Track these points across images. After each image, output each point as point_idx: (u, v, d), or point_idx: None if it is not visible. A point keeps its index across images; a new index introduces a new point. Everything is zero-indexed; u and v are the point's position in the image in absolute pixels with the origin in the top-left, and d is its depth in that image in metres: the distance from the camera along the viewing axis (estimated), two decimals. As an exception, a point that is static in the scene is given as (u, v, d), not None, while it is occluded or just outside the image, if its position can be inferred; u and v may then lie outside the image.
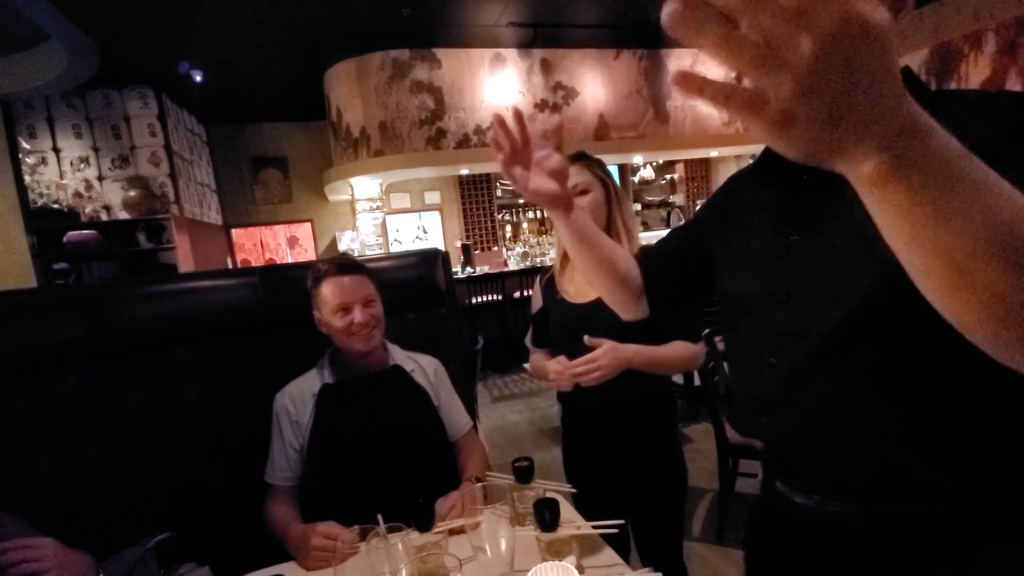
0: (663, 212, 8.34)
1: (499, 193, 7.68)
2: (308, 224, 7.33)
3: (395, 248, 6.96)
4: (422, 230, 7.31)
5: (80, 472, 1.26)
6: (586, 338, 1.25)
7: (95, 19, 3.93)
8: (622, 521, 0.96)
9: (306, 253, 7.32)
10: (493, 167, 6.60)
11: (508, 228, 7.75)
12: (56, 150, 5.10)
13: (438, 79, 5.59)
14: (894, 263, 0.39)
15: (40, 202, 4.97)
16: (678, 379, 3.40)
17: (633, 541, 1.40)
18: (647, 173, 8.08)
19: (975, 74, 5.08)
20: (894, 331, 0.54)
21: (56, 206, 5.01)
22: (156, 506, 1.26)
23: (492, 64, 5.74)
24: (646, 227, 7.81)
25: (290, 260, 7.20)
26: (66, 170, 5.13)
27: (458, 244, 6.49)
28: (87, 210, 5.18)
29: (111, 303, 1.33)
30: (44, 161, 5.07)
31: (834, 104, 0.31)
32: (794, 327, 0.63)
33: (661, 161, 8.09)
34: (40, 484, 1.22)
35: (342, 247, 6.95)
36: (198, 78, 5.03)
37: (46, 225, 4.85)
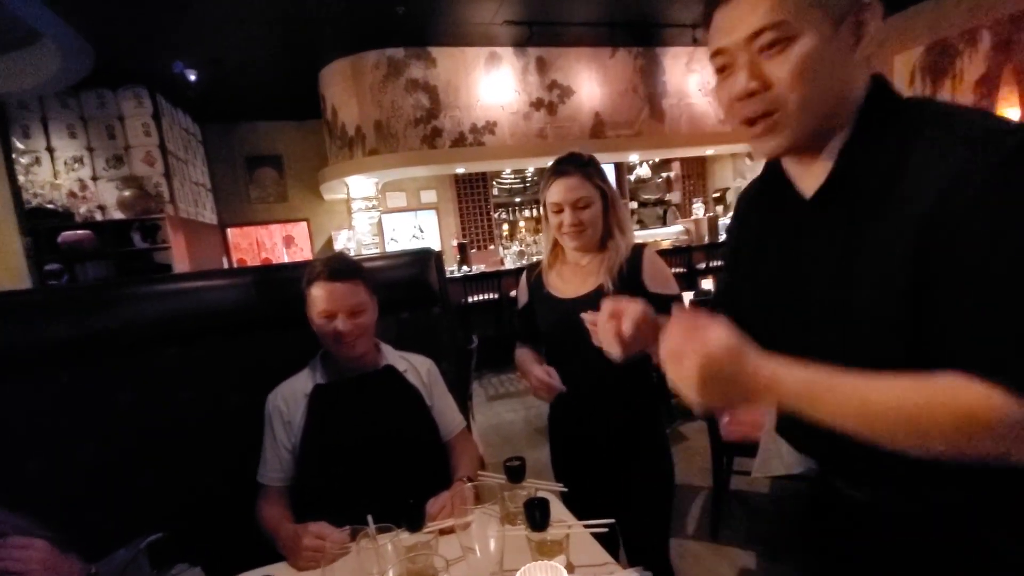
0: (659, 210, 8.34)
1: (495, 192, 7.68)
2: (304, 223, 7.31)
3: (391, 247, 6.95)
4: (418, 229, 7.31)
5: (72, 472, 1.26)
6: (587, 315, 1.25)
7: (89, 19, 3.92)
8: (612, 520, 0.96)
9: (302, 252, 7.30)
10: (489, 166, 6.62)
11: (505, 227, 7.75)
12: (50, 150, 5.07)
13: (433, 78, 5.58)
14: (869, 316, 0.60)
15: (34, 202, 4.94)
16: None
17: (621, 540, 1.40)
18: (643, 171, 8.09)
19: (970, 71, 5.10)
20: (896, 358, 0.61)
21: (50, 206, 4.99)
22: (148, 506, 1.26)
23: (487, 63, 5.74)
24: (642, 226, 7.82)
25: (286, 259, 7.19)
26: (60, 170, 5.11)
27: (454, 243, 6.49)
28: (81, 210, 5.16)
29: (102, 303, 1.33)
30: (38, 161, 5.04)
31: (720, 391, 0.58)
32: (814, 355, 0.69)
33: (657, 159, 8.09)
34: (32, 484, 1.22)
35: (338, 246, 6.94)
36: (192, 77, 5.01)
37: (40, 225, 4.83)
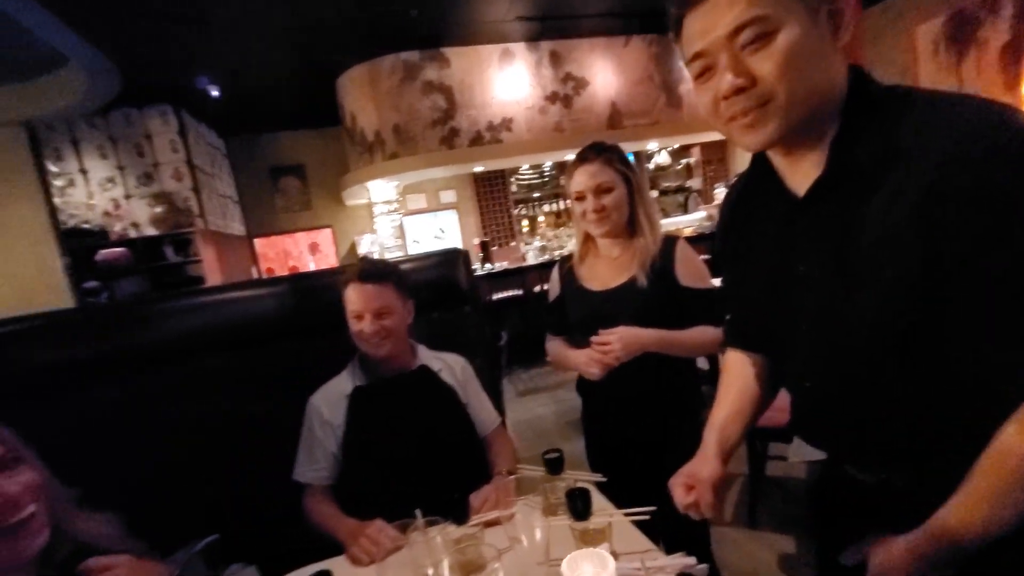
0: (680, 197, 8.24)
1: (514, 188, 7.68)
2: (328, 230, 7.43)
3: (413, 249, 7.02)
4: (440, 230, 7.36)
5: (125, 480, 1.31)
6: (596, 337, 1.27)
7: (113, 40, 4.04)
8: (653, 508, 0.97)
9: (327, 259, 7.43)
10: (507, 163, 6.63)
11: (525, 222, 7.75)
12: (83, 171, 5.26)
13: (448, 78, 5.61)
14: (874, 311, 0.60)
15: (71, 223, 5.13)
16: (703, 364, 3.37)
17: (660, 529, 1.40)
18: (662, 159, 7.99)
19: (995, 39, 4.90)
20: (905, 349, 0.62)
21: (86, 226, 5.18)
22: (200, 510, 1.31)
23: (501, 59, 5.74)
24: (664, 214, 7.73)
25: (312, 266, 7.32)
26: (94, 190, 5.30)
27: (476, 241, 6.52)
28: (116, 228, 5.34)
29: (146, 318, 1.39)
30: (72, 183, 5.23)
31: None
32: (819, 355, 0.70)
33: (676, 146, 7.98)
34: (88, 492, 1.28)
35: (362, 251, 7.04)
36: (215, 92, 5.13)
37: (78, 245, 5.01)
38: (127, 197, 5.37)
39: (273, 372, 1.47)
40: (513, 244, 7.33)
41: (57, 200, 5.07)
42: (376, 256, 6.45)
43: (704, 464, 0.82)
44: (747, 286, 0.82)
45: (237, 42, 4.52)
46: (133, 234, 5.36)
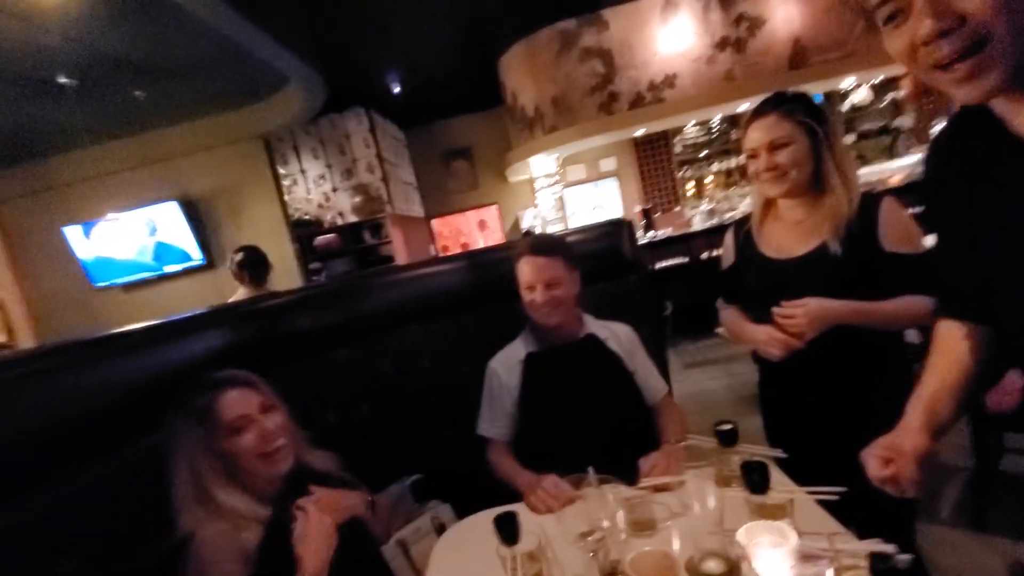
0: (886, 140, 6.94)
1: (678, 149, 7.24)
2: (494, 207, 7.87)
3: (574, 220, 7.08)
4: (600, 199, 7.29)
5: (354, 425, 1.60)
6: (778, 309, 1.18)
7: (319, 57, 4.75)
8: (843, 488, 0.90)
9: (494, 235, 7.88)
10: (669, 123, 6.26)
11: (690, 185, 7.29)
12: (302, 171, 6.31)
13: (606, 41, 5.45)
14: None
15: (296, 216, 6.23)
16: (913, 338, 2.87)
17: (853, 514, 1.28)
18: (861, 96, 6.79)
19: None
20: None
21: (307, 217, 6.24)
22: (407, 453, 1.55)
23: (663, 11, 5.39)
24: (863, 161, 6.61)
25: (481, 242, 7.83)
26: (310, 187, 6.33)
27: (638, 208, 6.34)
28: (327, 218, 6.33)
29: (361, 293, 1.67)
30: (295, 182, 6.32)
31: None
32: None
33: (879, 79, 6.71)
34: (326, 435, 1.57)
35: (525, 225, 7.33)
36: (396, 89, 5.73)
37: (302, 233, 6.09)
38: (334, 190, 6.32)
39: (456, 338, 1.66)
40: (677, 209, 6.95)
41: (285, 197, 6.19)
42: (538, 230, 6.68)
43: (906, 435, 0.74)
44: (964, 246, 0.71)
45: (412, 40, 4.96)
46: (340, 222, 6.31)
